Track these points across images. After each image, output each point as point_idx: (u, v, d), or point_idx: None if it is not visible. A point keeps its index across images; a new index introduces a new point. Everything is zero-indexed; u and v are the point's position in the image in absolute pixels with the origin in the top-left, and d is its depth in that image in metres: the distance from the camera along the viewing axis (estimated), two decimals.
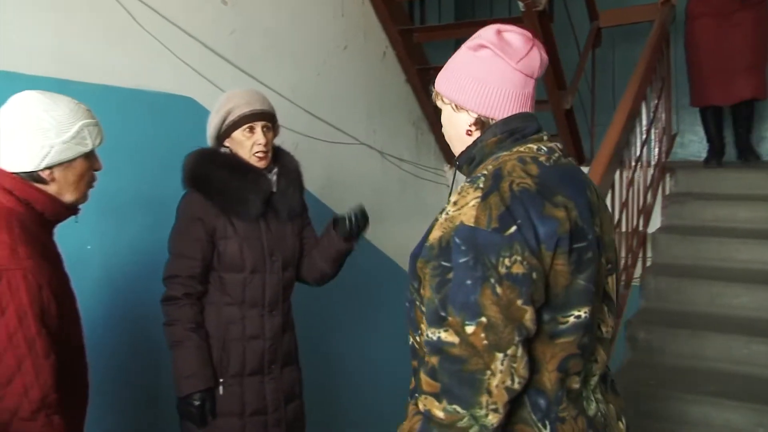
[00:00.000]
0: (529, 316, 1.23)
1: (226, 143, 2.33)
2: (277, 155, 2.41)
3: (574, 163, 1.45)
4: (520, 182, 1.28)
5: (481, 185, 1.30)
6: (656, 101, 4.03)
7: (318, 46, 3.85)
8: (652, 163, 4.01)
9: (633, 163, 3.56)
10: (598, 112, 5.01)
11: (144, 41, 2.83)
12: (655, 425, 2.85)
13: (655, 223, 3.96)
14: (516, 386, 1.25)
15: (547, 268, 1.26)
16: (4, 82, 2.27)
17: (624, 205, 3.36)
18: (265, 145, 2.30)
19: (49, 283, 1.55)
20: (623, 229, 3.38)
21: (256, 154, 2.30)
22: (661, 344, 3.20)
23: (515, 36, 1.40)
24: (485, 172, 1.33)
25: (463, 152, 1.46)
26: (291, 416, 2.42)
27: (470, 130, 1.43)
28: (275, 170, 2.37)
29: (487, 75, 1.39)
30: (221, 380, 2.29)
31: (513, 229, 1.24)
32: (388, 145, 4.46)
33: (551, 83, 4.10)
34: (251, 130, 2.28)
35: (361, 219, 2.39)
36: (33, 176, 1.62)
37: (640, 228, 3.66)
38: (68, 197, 1.70)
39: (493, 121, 1.41)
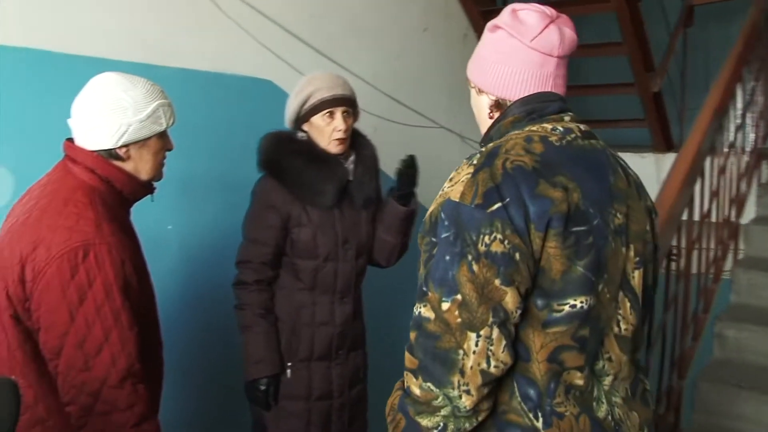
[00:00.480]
0: (509, 298, 1.20)
1: (304, 127, 2.30)
2: (354, 141, 2.37)
3: (598, 146, 1.37)
4: (515, 160, 1.25)
5: (475, 162, 1.28)
6: (753, 83, 3.79)
7: (398, 28, 3.81)
8: (747, 149, 3.79)
9: (726, 150, 3.37)
10: (688, 96, 4.76)
11: (225, 26, 2.87)
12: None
13: (749, 213, 3.73)
14: (492, 370, 1.21)
15: (537, 249, 1.22)
16: (90, 67, 2.32)
17: (715, 194, 3.18)
18: (345, 132, 2.26)
19: (130, 258, 1.61)
20: (713, 219, 3.20)
21: (335, 141, 2.26)
22: (752, 343, 3.02)
23: (530, 14, 1.35)
24: (482, 149, 1.32)
25: (484, 134, 1.43)
26: (354, 399, 2.43)
27: (491, 113, 1.41)
28: (352, 158, 2.34)
29: (502, 56, 1.36)
30: (289, 364, 2.31)
31: (497, 206, 1.20)
32: (468, 128, 4.36)
33: (638, 65, 3.93)
34: (331, 115, 2.24)
35: (409, 170, 2.33)
36: (111, 153, 1.67)
37: (732, 218, 3.46)
38: (144, 175, 1.74)
39: (510, 102, 1.38)
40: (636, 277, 1.34)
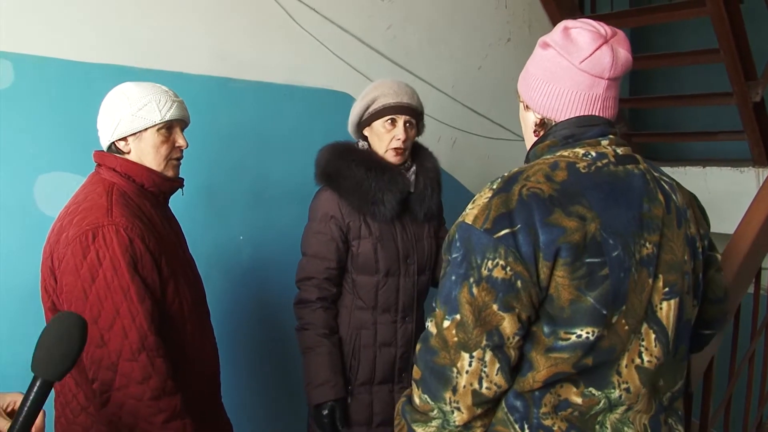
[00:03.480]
0: (506, 323, 1.21)
1: (365, 132, 2.25)
2: (416, 153, 2.30)
3: (635, 171, 1.32)
4: (531, 186, 1.24)
5: (495, 186, 1.29)
6: None
7: (479, 39, 3.74)
8: None
9: None
10: None
11: (301, 38, 2.89)
12: None
13: None
14: (484, 391, 1.24)
15: (545, 278, 1.21)
16: (171, 81, 2.39)
17: None
18: (404, 141, 2.18)
19: (141, 238, 1.68)
20: None
21: (392, 150, 2.19)
22: None
23: (582, 33, 1.30)
24: (506, 174, 1.31)
25: (527, 153, 1.43)
26: None
27: (537, 130, 1.39)
28: (413, 169, 2.27)
29: (550, 75, 1.33)
30: (350, 388, 2.22)
31: (504, 232, 1.21)
32: None
33: (737, 73, 3.69)
34: (392, 122, 2.18)
35: None
36: (114, 148, 1.81)
37: None
38: (153, 168, 1.83)
39: (555, 123, 1.35)
40: (664, 309, 1.30)
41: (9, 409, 1.24)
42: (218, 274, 2.62)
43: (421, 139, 2.36)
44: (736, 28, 3.53)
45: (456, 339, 1.23)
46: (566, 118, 1.33)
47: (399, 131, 2.18)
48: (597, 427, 1.29)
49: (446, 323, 1.25)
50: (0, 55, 2.18)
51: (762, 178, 4.00)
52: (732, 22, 3.46)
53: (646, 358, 1.29)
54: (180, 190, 1.93)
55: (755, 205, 2.30)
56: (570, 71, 1.30)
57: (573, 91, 1.31)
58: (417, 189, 2.25)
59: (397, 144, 2.18)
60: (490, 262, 1.20)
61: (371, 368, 2.23)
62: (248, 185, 2.77)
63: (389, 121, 2.18)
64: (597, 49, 1.29)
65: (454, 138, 3.52)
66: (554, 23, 4.12)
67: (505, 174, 1.31)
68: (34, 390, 1.07)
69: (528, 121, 1.42)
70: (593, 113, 1.33)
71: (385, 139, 2.19)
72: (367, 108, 2.20)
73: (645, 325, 1.29)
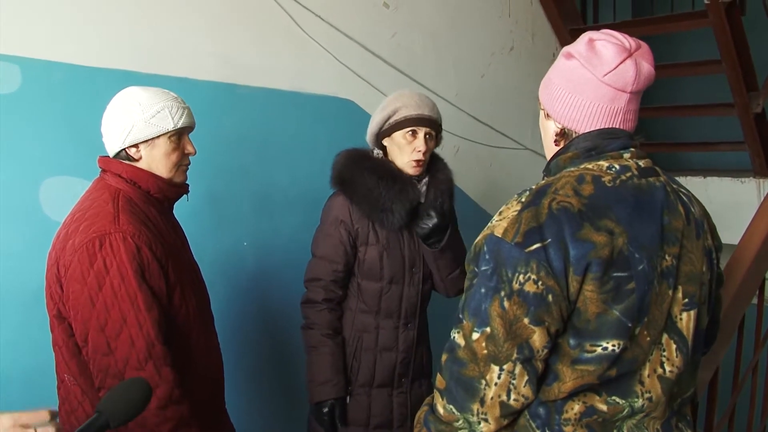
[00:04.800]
0: (537, 337, 1.22)
1: (384, 142, 2.26)
2: (431, 163, 2.31)
3: (656, 183, 1.33)
4: (561, 200, 1.25)
5: (523, 199, 1.29)
6: None
7: (482, 48, 3.75)
8: None
9: None
10: None
11: (306, 45, 2.90)
12: None
13: None
14: (512, 402, 1.25)
15: (574, 292, 1.22)
16: (175, 87, 2.40)
17: None
18: (424, 153, 2.20)
19: (148, 245, 1.67)
20: None
21: (413, 161, 2.20)
22: None
23: (606, 46, 1.31)
24: (533, 186, 1.32)
25: (547, 163, 1.43)
26: None
27: (557, 140, 1.40)
28: (425, 180, 2.28)
29: (573, 86, 1.34)
30: (349, 389, 2.27)
31: (536, 246, 1.21)
32: None
33: (738, 84, 3.70)
34: (413, 134, 2.19)
35: (431, 215, 2.21)
36: (125, 155, 1.79)
37: None
38: (162, 175, 1.82)
39: (576, 134, 1.36)
40: (684, 319, 1.32)
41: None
42: (222, 279, 2.61)
43: None
44: (738, 39, 3.56)
45: (485, 351, 1.23)
46: (588, 129, 1.34)
47: (420, 143, 2.19)
48: (614, 431, 1.30)
49: (475, 335, 1.24)
50: (6, 59, 2.18)
51: (763, 189, 4.01)
52: (734, 34, 3.49)
53: (668, 368, 1.31)
54: (185, 196, 1.92)
55: (759, 216, 2.31)
56: (593, 84, 1.31)
57: (595, 103, 1.32)
58: (427, 200, 2.26)
59: (418, 156, 2.20)
60: (521, 276, 1.21)
61: (371, 371, 2.27)
62: (253, 191, 2.76)
63: (410, 133, 2.19)
64: (621, 62, 1.29)
65: (457, 146, 3.53)
66: (557, 32, 4.15)
67: (533, 187, 1.32)
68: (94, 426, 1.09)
69: (548, 129, 1.42)
70: (615, 126, 1.33)
71: (406, 151, 2.20)
72: (388, 118, 2.22)
73: (665, 336, 1.30)
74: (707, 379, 2.03)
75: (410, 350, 2.30)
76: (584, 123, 1.33)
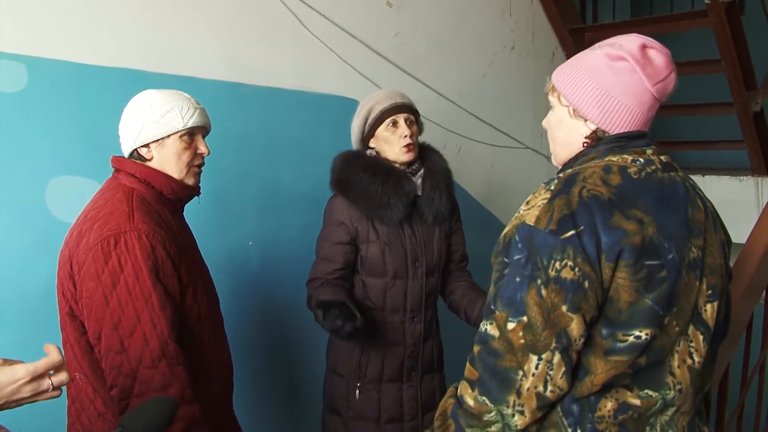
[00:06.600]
0: (574, 325, 1.21)
1: (372, 143, 2.29)
2: (424, 155, 2.34)
3: (677, 178, 1.35)
4: (591, 189, 1.25)
5: (552, 187, 1.29)
6: None
7: (484, 47, 3.76)
8: None
9: None
10: None
11: (310, 45, 2.90)
12: None
13: None
14: (548, 394, 1.24)
15: (607, 279, 1.22)
16: (182, 86, 2.39)
17: None
18: (411, 137, 2.23)
19: (162, 244, 1.67)
20: None
21: (403, 147, 2.22)
22: None
23: (659, 55, 1.33)
24: (560, 175, 1.33)
25: (566, 163, 1.41)
26: (428, 424, 2.34)
27: (586, 142, 1.38)
28: (421, 172, 2.29)
29: (619, 89, 1.32)
30: (358, 384, 2.28)
31: (570, 233, 1.21)
32: None
33: (737, 83, 3.72)
34: (395, 124, 2.23)
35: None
36: (137, 154, 1.80)
37: None
38: (174, 175, 1.82)
39: (606, 135, 1.35)
40: (708, 311, 1.33)
41: None
42: (227, 278, 2.60)
43: None
44: (738, 38, 3.58)
45: (523, 341, 1.22)
46: (621, 131, 1.34)
47: (403, 128, 2.23)
48: (647, 428, 1.30)
49: (511, 325, 1.23)
50: (15, 58, 2.17)
51: (761, 187, 4.03)
52: (734, 33, 3.50)
53: (696, 358, 1.32)
54: (196, 197, 1.92)
55: (766, 214, 2.31)
56: (641, 89, 1.31)
57: (637, 110, 1.32)
58: (425, 192, 2.28)
59: (406, 141, 2.22)
60: (557, 263, 1.20)
61: (380, 366, 2.28)
62: (258, 190, 2.76)
63: (391, 123, 2.24)
64: (669, 74, 1.32)
65: (459, 145, 3.53)
66: (557, 32, 4.16)
67: (560, 175, 1.32)
68: None
69: (573, 129, 1.39)
70: (643, 129, 1.36)
71: (393, 141, 2.23)
72: (366, 120, 2.27)
73: (692, 327, 1.32)
74: (718, 378, 2.04)
75: (418, 344, 2.31)
76: (621, 126, 1.34)
